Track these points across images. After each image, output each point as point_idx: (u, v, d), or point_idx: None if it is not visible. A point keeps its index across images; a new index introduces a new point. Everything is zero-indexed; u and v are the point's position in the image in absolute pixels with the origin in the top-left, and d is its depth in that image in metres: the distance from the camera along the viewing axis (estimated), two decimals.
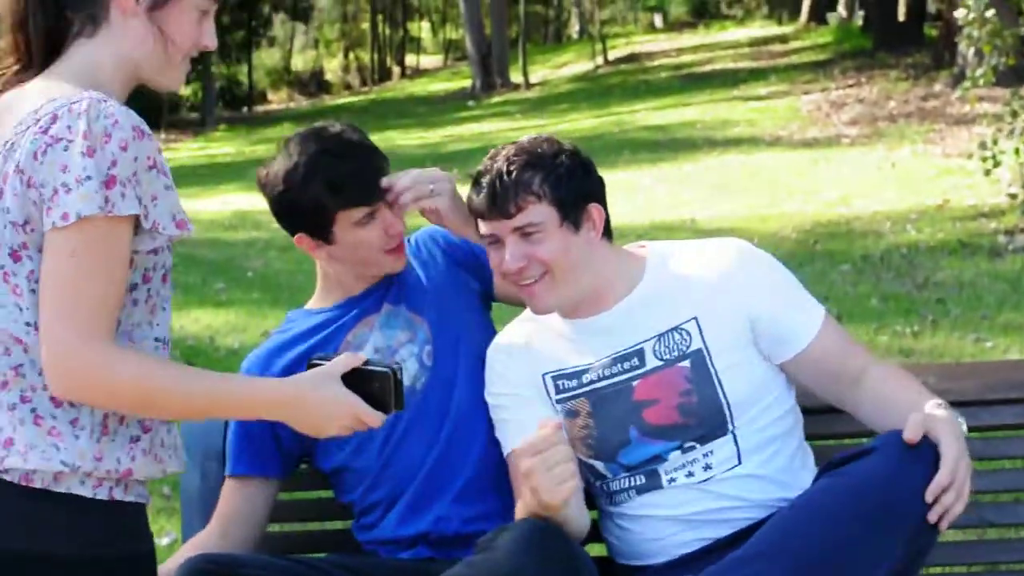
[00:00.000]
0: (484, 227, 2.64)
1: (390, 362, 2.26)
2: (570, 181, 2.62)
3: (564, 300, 2.65)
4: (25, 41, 2.16)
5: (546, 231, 2.59)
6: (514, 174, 2.59)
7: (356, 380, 2.23)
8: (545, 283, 2.62)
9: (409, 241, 3.01)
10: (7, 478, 2.02)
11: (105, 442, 2.07)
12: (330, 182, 2.75)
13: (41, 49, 2.15)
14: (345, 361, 2.23)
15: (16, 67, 2.17)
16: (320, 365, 2.26)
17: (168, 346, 2.19)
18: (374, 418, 2.23)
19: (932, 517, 2.37)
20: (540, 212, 2.59)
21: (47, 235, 1.97)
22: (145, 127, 2.04)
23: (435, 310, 2.89)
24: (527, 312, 2.78)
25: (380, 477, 2.82)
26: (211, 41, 2.26)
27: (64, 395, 2.01)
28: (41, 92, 2.07)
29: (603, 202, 2.70)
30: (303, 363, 2.54)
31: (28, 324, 2.03)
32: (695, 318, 2.64)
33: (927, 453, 2.40)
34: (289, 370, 2.76)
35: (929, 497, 2.36)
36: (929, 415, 2.45)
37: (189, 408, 2.14)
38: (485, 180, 2.62)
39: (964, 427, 2.49)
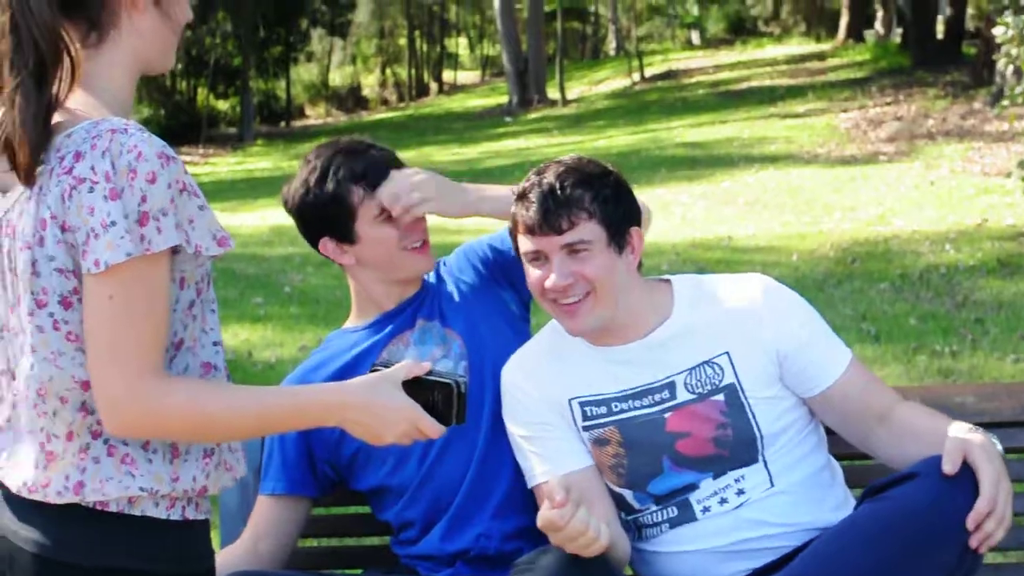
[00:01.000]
0: (530, 243, 2.62)
1: (455, 374, 2.20)
2: (617, 202, 2.63)
3: (601, 322, 2.63)
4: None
5: (594, 250, 2.59)
6: (567, 190, 2.58)
7: (417, 389, 2.15)
8: (587, 303, 2.61)
9: (444, 263, 3.03)
10: (82, 504, 2.02)
11: (179, 463, 2.07)
12: (349, 173, 2.82)
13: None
14: (408, 368, 2.17)
15: None
16: (380, 366, 2.20)
17: (222, 347, 2.16)
18: (434, 429, 2.16)
19: (973, 543, 2.37)
20: (590, 230, 2.59)
21: (84, 279, 1.94)
22: (169, 150, 1.97)
23: (468, 325, 2.90)
24: (546, 332, 2.79)
25: (418, 493, 2.83)
26: (190, 14, 2.20)
27: (119, 435, 2.01)
28: (57, 126, 2.00)
29: (640, 227, 2.71)
30: (341, 380, 2.54)
31: None
32: (727, 352, 2.65)
33: (967, 479, 2.39)
34: None
35: (970, 525, 2.36)
36: (966, 440, 2.43)
37: (244, 428, 2.10)
38: (534, 195, 2.60)
39: (1000, 447, 2.47)
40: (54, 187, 1.95)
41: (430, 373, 2.18)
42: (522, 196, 2.63)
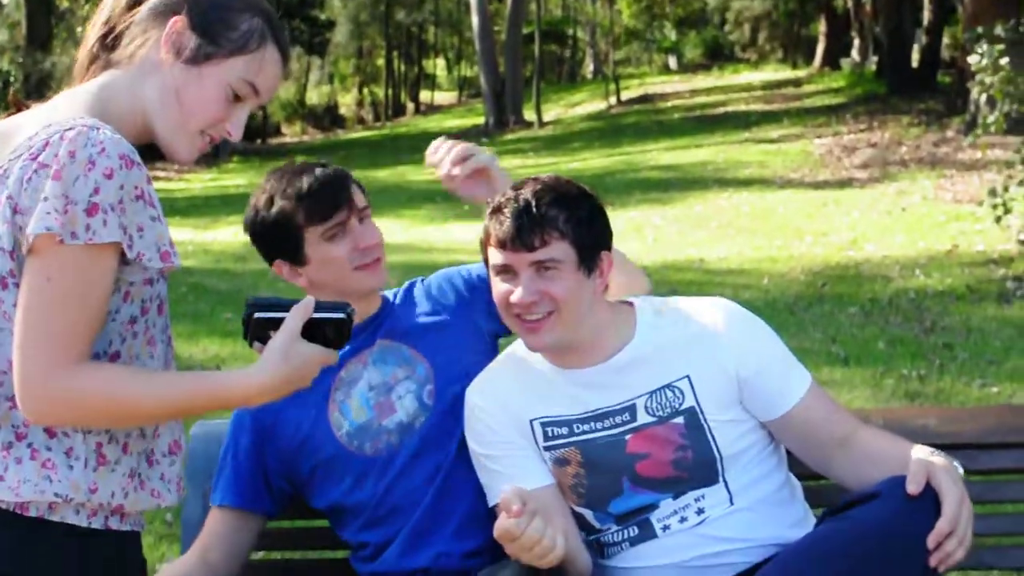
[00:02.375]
0: (500, 257, 2.61)
1: (339, 303, 2.18)
2: (591, 225, 2.63)
3: (562, 341, 2.63)
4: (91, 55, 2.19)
5: (562, 270, 2.59)
6: (543, 208, 2.58)
7: (311, 328, 2.15)
8: (550, 321, 2.60)
9: (423, 281, 3.02)
10: (1, 506, 2.00)
11: (103, 472, 2.05)
12: (296, 195, 2.80)
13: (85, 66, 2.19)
14: (302, 314, 2.12)
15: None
16: (264, 317, 2.15)
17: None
18: (333, 357, 2.16)
19: (933, 561, 2.37)
20: (561, 250, 2.58)
21: (26, 259, 1.95)
22: (135, 156, 1.99)
23: (439, 349, 2.89)
24: (510, 353, 2.79)
25: (377, 512, 2.81)
26: (235, 130, 2.20)
27: (34, 420, 1.99)
28: (43, 117, 2.07)
29: (611, 252, 2.71)
30: (299, 399, 2.52)
31: None
32: (687, 376, 2.65)
33: (929, 499, 2.39)
34: (285, 404, 2.65)
35: (931, 544, 2.36)
36: (930, 462, 2.44)
37: (162, 414, 2.08)
38: (509, 210, 2.59)
39: (961, 471, 2.48)
40: (18, 170, 1.98)
41: (317, 307, 2.16)
42: (497, 209, 2.63)
